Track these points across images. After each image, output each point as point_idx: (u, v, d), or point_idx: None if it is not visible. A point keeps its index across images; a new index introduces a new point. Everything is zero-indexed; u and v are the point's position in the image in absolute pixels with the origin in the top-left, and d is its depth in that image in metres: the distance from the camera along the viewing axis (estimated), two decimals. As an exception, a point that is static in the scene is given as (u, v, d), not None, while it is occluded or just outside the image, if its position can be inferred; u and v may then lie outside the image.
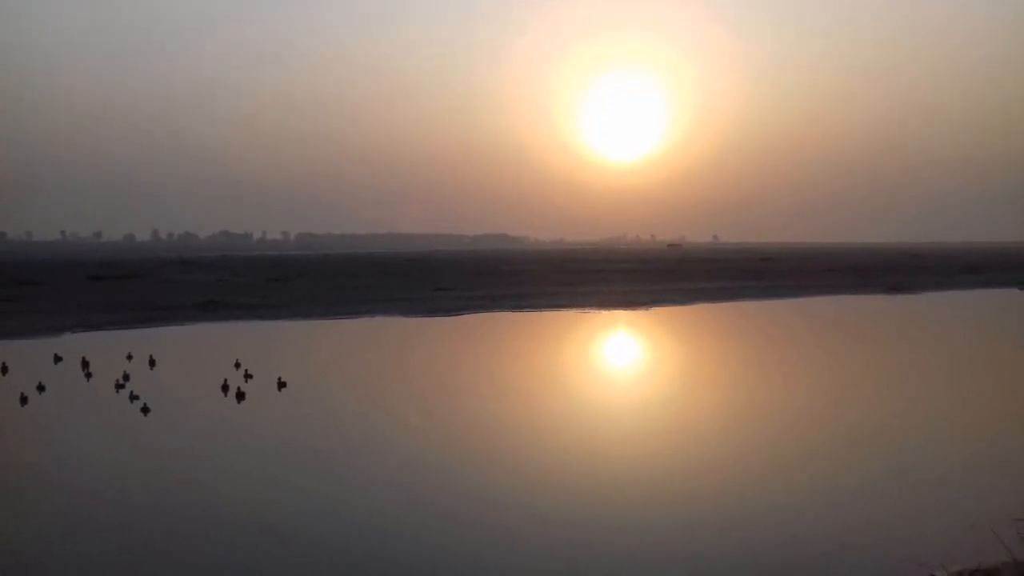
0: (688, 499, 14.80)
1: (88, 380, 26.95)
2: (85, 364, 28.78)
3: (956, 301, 64.17)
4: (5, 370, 28.43)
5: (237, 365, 28.32)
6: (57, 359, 30.74)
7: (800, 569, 11.69)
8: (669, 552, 12.35)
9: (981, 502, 14.18)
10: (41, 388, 24.86)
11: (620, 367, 32.51)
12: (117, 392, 24.67)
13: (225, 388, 24.71)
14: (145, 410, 22.00)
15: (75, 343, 36.67)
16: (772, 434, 19.79)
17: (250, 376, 26.60)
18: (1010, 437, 19.23)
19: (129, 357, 30.56)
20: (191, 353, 36.30)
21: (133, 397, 23.46)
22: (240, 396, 23.92)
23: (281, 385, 25.29)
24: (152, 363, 29.71)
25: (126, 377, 26.34)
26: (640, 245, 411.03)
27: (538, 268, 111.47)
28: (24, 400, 23.33)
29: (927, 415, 21.76)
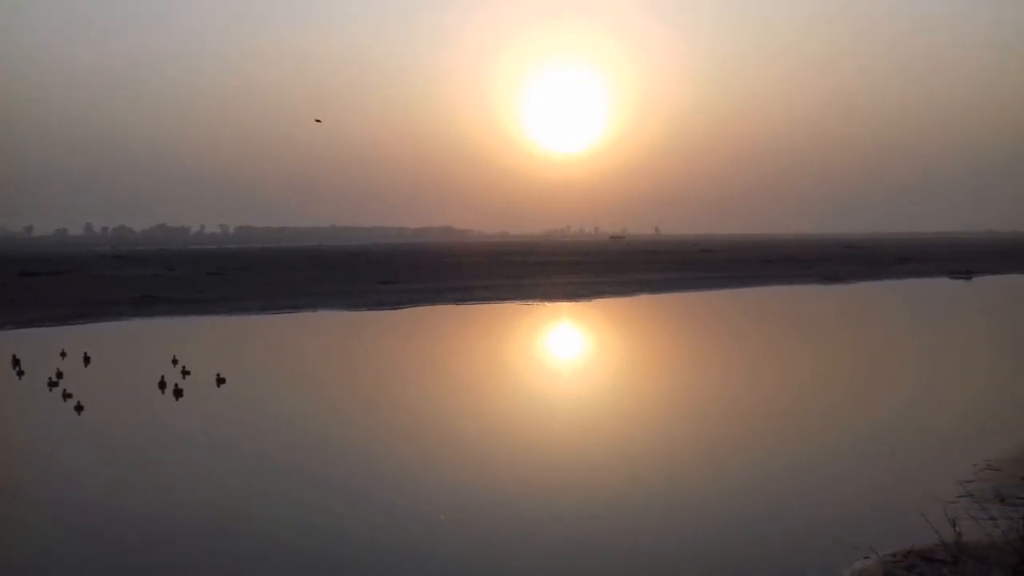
0: (624, 486, 14.91)
1: (20, 378, 26.23)
2: (16, 362, 27.96)
3: (888, 290, 65.83)
4: (-70, 369, 27.48)
5: (174, 361, 27.79)
6: (-14, 357, 29.82)
7: (735, 554, 11.89)
8: (609, 540, 12.45)
9: (914, 485, 14.57)
10: (-31, 387, 24.11)
11: (562, 359, 32.69)
12: (50, 390, 24.03)
13: (162, 385, 24.24)
14: (79, 408, 21.46)
15: (6, 341, 35.60)
16: (706, 422, 20.08)
17: (188, 372, 26.13)
18: (939, 421, 19.79)
19: (63, 354, 29.78)
20: (127, 350, 35.51)
21: (66, 395, 22.87)
22: (178, 393, 23.48)
23: (220, 381, 24.89)
24: (86, 360, 29.00)
25: (59, 375, 25.66)
26: (583, 237, 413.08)
27: (482, 261, 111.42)
28: (-49, 400, 22.60)
29: (859, 401, 22.28)
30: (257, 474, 16.08)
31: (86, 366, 28.29)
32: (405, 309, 49.50)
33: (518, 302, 53.70)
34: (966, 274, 79.22)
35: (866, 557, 11.31)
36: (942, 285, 69.71)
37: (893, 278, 76.79)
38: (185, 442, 18.73)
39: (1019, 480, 14.47)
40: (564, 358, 32.85)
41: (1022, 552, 10.73)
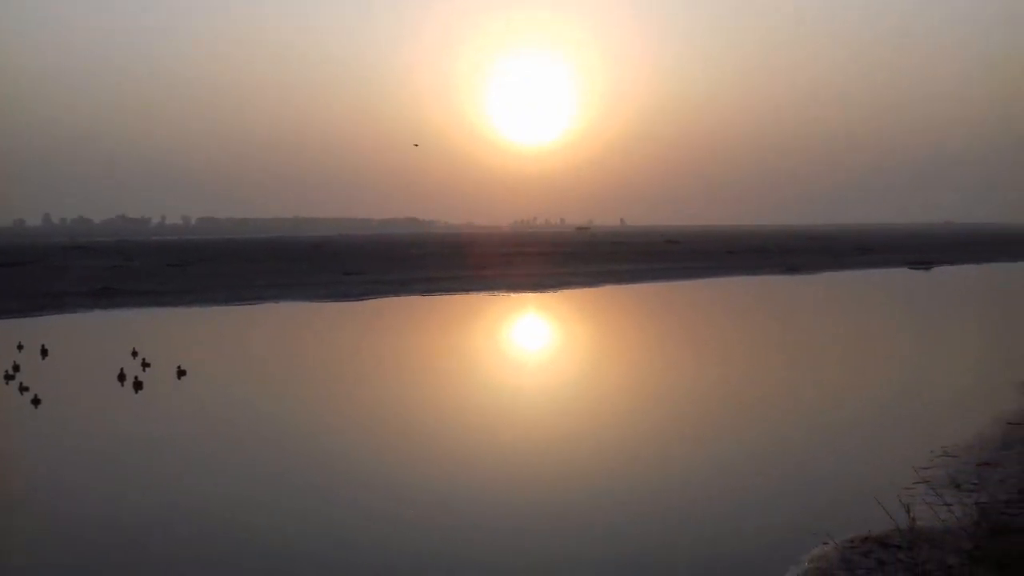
0: (584, 476, 14.97)
1: (-27, 372, 25.73)
2: (-30, 355, 27.43)
3: (849, 280, 66.66)
4: None
5: (134, 353, 27.42)
6: (-61, 350, 29.23)
7: (694, 541, 11.99)
8: (568, 529, 12.50)
9: (871, 472, 14.77)
10: (-79, 381, 23.60)
11: (526, 350, 32.73)
12: (7, 383, 23.61)
13: (122, 377, 23.91)
14: (36, 401, 21.10)
15: (-41, 333, 34.89)
16: (667, 410, 20.22)
17: (148, 365, 25.79)
18: (897, 408, 20.09)
19: (19, 347, 29.26)
20: (85, 342, 34.99)
21: (23, 388, 22.46)
22: (137, 385, 23.19)
23: (180, 373, 24.60)
24: (44, 353, 28.51)
25: (16, 367, 25.20)
26: (549, 228, 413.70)
27: (447, 252, 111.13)
28: (-98, 394, 22.11)
29: (817, 389, 22.54)
30: (218, 467, 15.92)
31: (44, 359, 27.83)
32: (370, 300, 49.26)
33: (484, 293, 53.68)
34: (925, 264, 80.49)
35: (824, 543, 11.44)
36: (902, 275, 70.77)
37: (854, 268, 77.79)
38: (144, 435, 18.49)
39: (974, 467, 14.73)
40: (528, 349, 32.89)
41: (976, 537, 10.94)
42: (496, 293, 53.57)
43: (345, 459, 16.45)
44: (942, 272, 74.20)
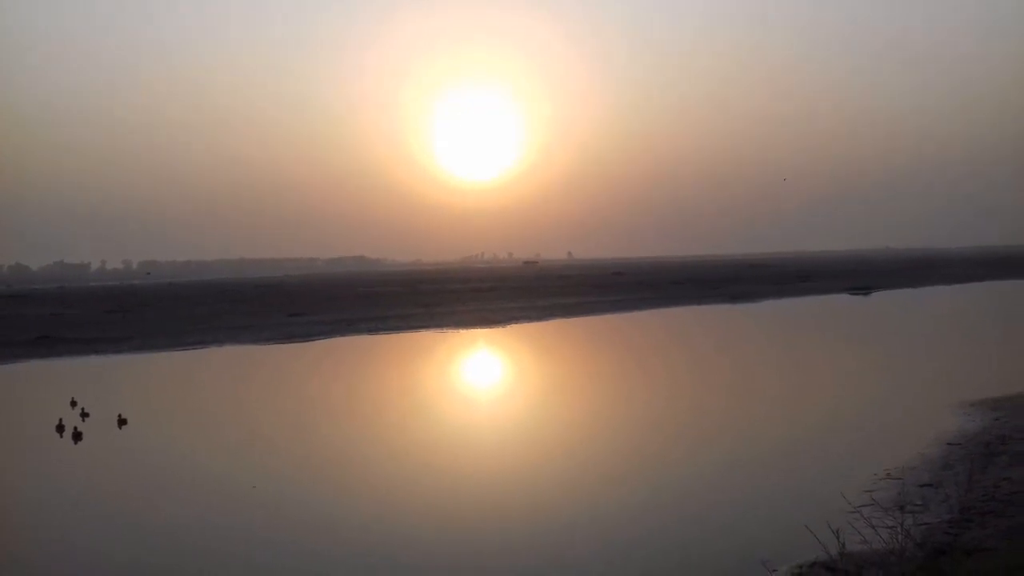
0: (521, 504, 14.92)
1: (-98, 428, 24.85)
2: (-101, 411, 26.46)
3: (792, 308, 67.81)
4: None
5: (73, 403, 26.70)
6: None
7: (646, 570, 11.97)
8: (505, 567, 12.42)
9: (816, 496, 14.94)
10: None
11: (476, 388, 32.63)
12: (-64, 439, 22.83)
13: (60, 428, 23.27)
14: (-32, 457, 20.44)
15: None
16: (616, 442, 20.27)
17: (87, 414, 25.14)
18: (841, 432, 20.38)
19: (-50, 401, 28.35)
20: (22, 393, 34.00)
21: (-45, 444, 21.75)
22: (77, 436, 22.58)
23: (122, 422, 24.02)
24: (-23, 406, 27.65)
25: (-53, 422, 24.41)
26: (497, 263, 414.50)
27: (395, 290, 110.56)
28: None
29: (762, 415, 22.81)
30: (161, 522, 15.53)
31: (-23, 412, 26.98)
32: (317, 341, 48.73)
33: (432, 330, 53.47)
34: (864, 290, 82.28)
35: (773, 571, 11.51)
36: (842, 301, 72.21)
37: (796, 296, 79.18)
38: (84, 489, 17.98)
39: (917, 488, 14.98)
40: (477, 387, 32.78)
41: (921, 559, 11.11)
42: (445, 330, 53.40)
43: (296, 510, 16.15)
44: (881, 297, 75.91)
